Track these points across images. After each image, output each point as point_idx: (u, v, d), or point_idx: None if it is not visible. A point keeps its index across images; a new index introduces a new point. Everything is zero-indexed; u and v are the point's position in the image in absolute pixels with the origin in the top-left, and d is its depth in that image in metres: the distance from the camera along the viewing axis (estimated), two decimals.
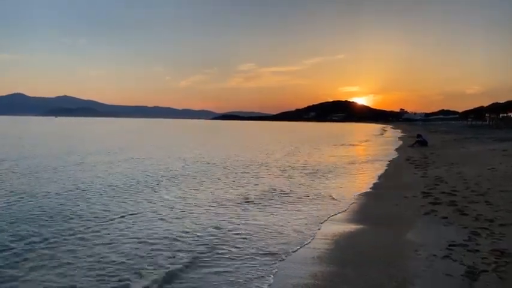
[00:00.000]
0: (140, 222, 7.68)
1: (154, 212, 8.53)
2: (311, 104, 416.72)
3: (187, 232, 7.08)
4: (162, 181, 12.79)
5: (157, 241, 6.55)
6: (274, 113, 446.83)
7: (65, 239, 6.56)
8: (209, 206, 9.28)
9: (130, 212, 8.47)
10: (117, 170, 15.13)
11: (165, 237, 6.75)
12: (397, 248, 6.08)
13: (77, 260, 5.64)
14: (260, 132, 72.84)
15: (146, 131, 66.30)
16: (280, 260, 5.73)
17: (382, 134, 59.24)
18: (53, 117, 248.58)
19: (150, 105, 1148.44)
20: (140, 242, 6.46)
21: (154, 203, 9.45)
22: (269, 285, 4.92)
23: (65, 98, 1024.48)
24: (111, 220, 7.79)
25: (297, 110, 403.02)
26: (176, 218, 8.07)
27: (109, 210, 8.61)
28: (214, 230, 7.22)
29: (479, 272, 4.84)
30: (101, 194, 10.37)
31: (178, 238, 6.73)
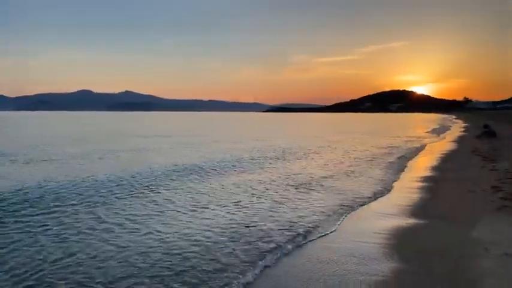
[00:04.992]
0: None
1: None
2: (366, 95, 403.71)
3: None
4: None
5: None
6: (328, 104, 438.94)
7: None
8: None
9: None
10: None
11: None
12: (464, 245, 5.72)
13: None
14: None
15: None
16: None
17: (444, 125, 55.75)
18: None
19: (205, 98, 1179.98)
20: None
21: None
22: None
23: (126, 94, 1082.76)
24: None
25: (352, 101, 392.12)
26: None
27: None
28: None
29: None
30: None
31: None
